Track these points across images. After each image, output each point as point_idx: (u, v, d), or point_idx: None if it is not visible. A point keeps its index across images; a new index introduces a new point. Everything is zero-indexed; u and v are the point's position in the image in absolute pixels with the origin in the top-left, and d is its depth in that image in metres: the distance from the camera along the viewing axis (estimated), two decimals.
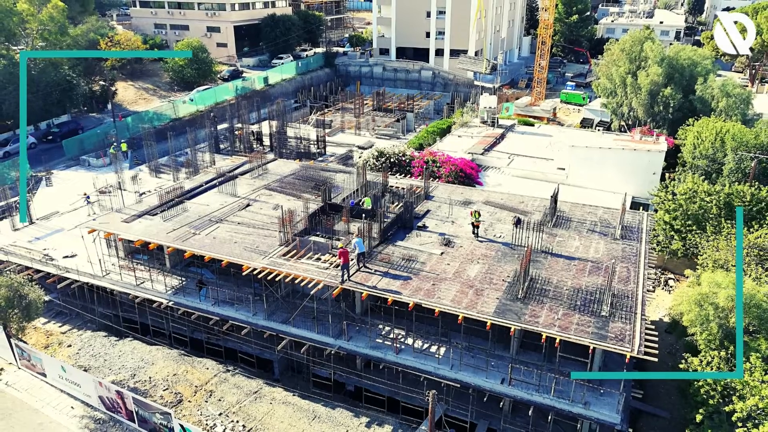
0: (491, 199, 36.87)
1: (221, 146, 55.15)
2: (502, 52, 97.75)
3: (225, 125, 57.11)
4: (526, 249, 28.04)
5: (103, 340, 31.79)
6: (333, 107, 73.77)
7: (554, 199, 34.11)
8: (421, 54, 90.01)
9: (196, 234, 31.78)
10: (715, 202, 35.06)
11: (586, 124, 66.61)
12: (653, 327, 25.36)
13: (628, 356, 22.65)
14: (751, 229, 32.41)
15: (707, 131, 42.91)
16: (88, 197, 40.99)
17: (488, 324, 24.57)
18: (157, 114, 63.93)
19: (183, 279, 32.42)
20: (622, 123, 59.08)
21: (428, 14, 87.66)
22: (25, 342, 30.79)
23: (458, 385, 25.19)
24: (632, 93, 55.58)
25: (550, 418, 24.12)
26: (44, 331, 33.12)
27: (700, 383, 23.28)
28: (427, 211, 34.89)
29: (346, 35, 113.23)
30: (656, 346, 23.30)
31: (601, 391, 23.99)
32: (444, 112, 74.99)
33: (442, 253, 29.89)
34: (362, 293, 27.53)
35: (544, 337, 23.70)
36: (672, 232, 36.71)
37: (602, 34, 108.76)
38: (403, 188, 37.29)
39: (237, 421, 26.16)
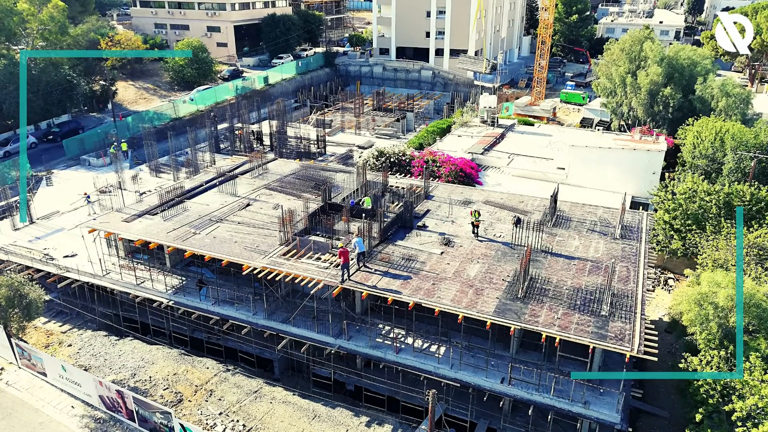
0: (491, 199, 36.89)
1: (221, 146, 55.27)
2: (502, 52, 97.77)
3: (225, 125, 57.21)
4: (525, 248, 28.08)
5: (104, 340, 31.81)
6: (333, 107, 73.79)
7: (554, 198, 34.14)
8: (421, 54, 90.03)
9: (196, 233, 31.81)
10: (715, 202, 35.09)
11: (585, 123, 66.65)
12: (653, 326, 25.39)
13: (627, 356, 22.69)
14: (751, 229, 32.45)
15: (707, 131, 42.95)
16: (89, 197, 40.98)
17: (488, 323, 24.59)
18: (158, 114, 63.96)
19: (183, 278, 32.44)
20: (622, 123, 59.11)
21: (428, 14, 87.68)
22: (25, 341, 30.80)
23: (458, 385, 25.21)
24: (632, 93, 55.61)
25: (549, 417, 24.14)
26: (44, 331, 33.14)
27: (700, 383, 23.29)
28: (427, 211, 34.92)
29: (346, 35, 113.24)
30: (656, 345, 23.33)
31: (601, 390, 24.02)
32: (444, 111, 75.01)
33: (442, 253, 29.92)
34: (362, 293, 27.57)
35: (543, 336, 23.72)
36: (672, 232, 36.75)
37: (602, 34, 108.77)
38: (403, 188, 37.32)
39: (237, 421, 26.19)
